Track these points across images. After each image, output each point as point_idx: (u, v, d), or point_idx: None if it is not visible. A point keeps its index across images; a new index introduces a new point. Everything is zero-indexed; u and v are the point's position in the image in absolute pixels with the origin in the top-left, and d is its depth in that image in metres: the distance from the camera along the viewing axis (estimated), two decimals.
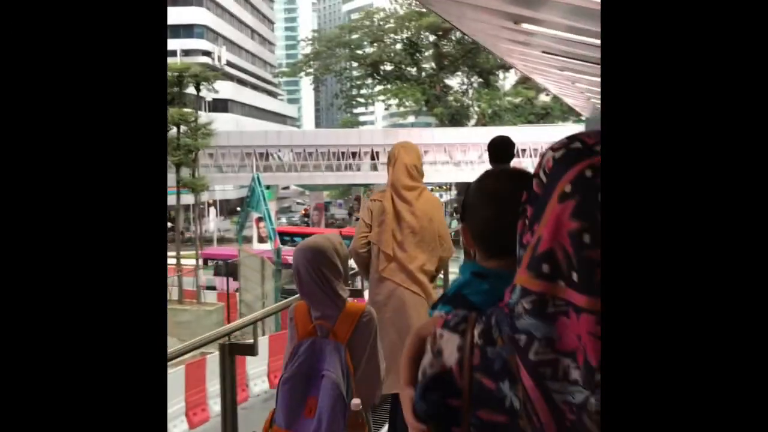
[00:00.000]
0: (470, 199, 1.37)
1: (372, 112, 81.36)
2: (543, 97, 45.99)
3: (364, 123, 75.36)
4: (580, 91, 14.11)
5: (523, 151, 37.66)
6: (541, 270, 0.94)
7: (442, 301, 1.30)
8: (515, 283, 0.98)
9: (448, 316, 1.07)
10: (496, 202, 1.31)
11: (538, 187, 0.96)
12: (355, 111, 70.90)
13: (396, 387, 2.67)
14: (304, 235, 33.87)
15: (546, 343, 0.93)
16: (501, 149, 4.28)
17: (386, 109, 54.11)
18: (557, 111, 44.60)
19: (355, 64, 48.52)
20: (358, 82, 49.00)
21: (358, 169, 39.09)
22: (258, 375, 14.60)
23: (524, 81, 44.54)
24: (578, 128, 32.11)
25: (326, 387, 2.01)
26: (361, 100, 51.54)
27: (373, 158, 38.98)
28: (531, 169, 1.07)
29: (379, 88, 46.51)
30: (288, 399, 2.05)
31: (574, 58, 8.06)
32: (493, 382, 0.98)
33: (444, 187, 53.29)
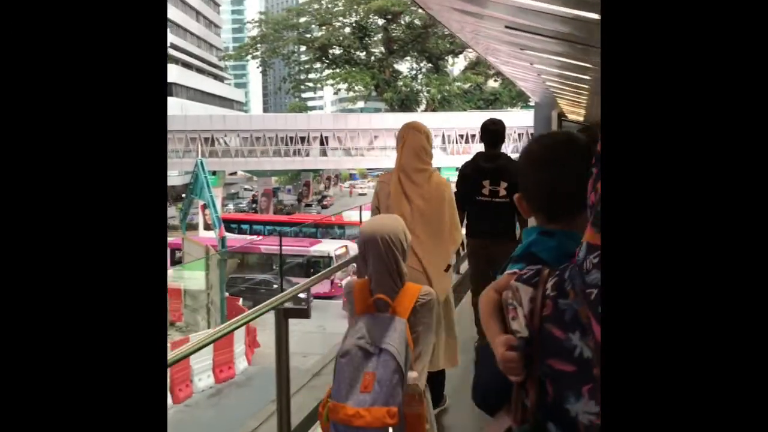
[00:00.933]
0: (523, 168, 1.39)
1: (321, 97, 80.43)
2: (492, 83, 46.17)
3: (313, 108, 74.40)
4: (538, 72, 13.85)
5: (473, 136, 37.72)
6: (596, 221, 1.02)
7: (512, 260, 1.34)
8: (583, 241, 1.05)
9: (522, 272, 1.16)
10: (549, 167, 1.34)
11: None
12: (304, 96, 69.97)
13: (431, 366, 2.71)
14: (251, 222, 33.45)
15: None
16: (493, 132, 4.41)
17: (335, 93, 53.40)
18: (505, 97, 44.86)
19: (303, 48, 47.60)
20: (307, 66, 48.12)
21: (307, 155, 38.39)
22: (203, 370, 14.01)
23: (473, 67, 44.61)
24: (527, 114, 32.46)
25: (386, 360, 2.01)
26: (310, 84, 50.68)
27: (322, 143, 38.34)
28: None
29: (327, 72, 45.72)
30: (346, 372, 2.04)
31: (538, 34, 7.71)
32: (563, 332, 1.05)
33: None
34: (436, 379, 3.23)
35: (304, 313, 2.90)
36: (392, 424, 1.97)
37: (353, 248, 24.40)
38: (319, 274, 4.30)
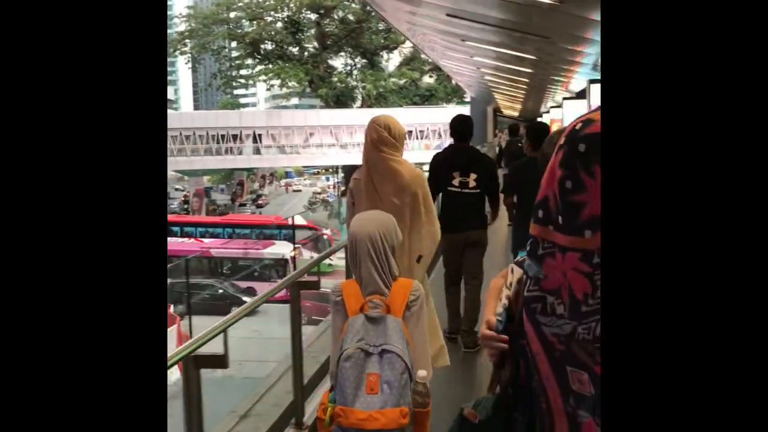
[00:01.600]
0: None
1: (254, 94, 78.58)
2: (427, 79, 46.15)
3: (246, 105, 72.54)
4: (477, 66, 13.63)
5: (409, 132, 37.57)
6: (537, 216, 1.08)
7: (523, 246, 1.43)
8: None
9: (522, 257, 1.22)
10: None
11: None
12: (237, 92, 68.24)
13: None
14: (182, 224, 32.15)
15: (535, 282, 1.06)
16: (462, 125, 4.60)
17: (269, 89, 52.01)
18: (441, 93, 44.89)
19: (234, 44, 46.24)
20: (238, 62, 46.79)
21: (240, 153, 37.29)
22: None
23: (408, 62, 44.45)
24: (462, 109, 32.52)
25: (392, 360, 2.01)
26: (242, 81, 49.33)
27: (255, 141, 37.31)
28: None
29: (260, 68, 44.52)
30: (350, 376, 2.02)
31: (479, 22, 7.36)
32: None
33: (330, 170, 52.44)
34: None
35: (219, 362, 2.33)
36: (405, 424, 1.99)
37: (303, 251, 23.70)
38: (279, 283, 3.60)
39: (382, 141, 3.14)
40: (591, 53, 8.88)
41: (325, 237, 29.08)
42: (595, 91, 9.03)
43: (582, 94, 13.55)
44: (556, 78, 13.02)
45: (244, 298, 18.75)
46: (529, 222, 1.12)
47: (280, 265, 22.89)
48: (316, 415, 2.15)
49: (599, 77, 9.78)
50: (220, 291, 21.81)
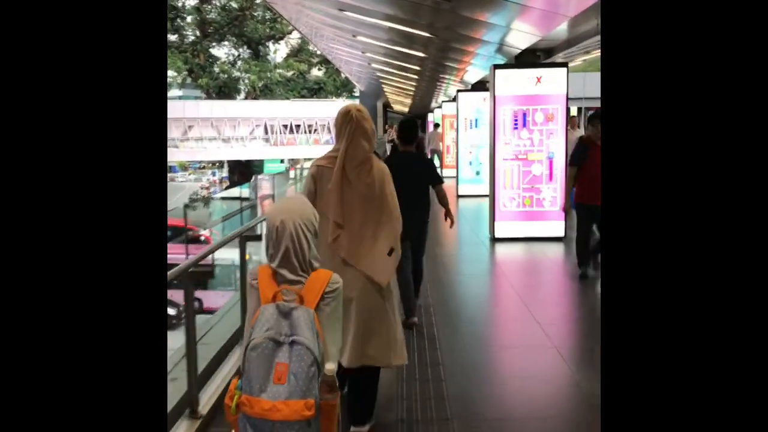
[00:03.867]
0: None
1: None
2: (316, 72, 44.90)
3: None
4: (368, 62, 12.74)
5: (297, 126, 36.26)
6: None
7: None
8: None
9: None
10: None
11: None
12: None
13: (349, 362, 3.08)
14: None
15: None
16: (408, 130, 5.01)
17: None
18: (330, 86, 43.81)
19: None
20: None
21: None
22: None
23: (295, 54, 42.97)
24: (351, 103, 31.46)
25: (300, 352, 1.98)
26: None
27: None
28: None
29: None
30: (257, 365, 1.98)
31: (370, 17, 6.48)
32: None
33: (216, 165, 49.87)
34: (369, 379, 3.26)
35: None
36: (310, 416, 1.97)
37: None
38: None
39: (367, 133, 3.12)
40: (489, 41, 8.11)
41: (202, 238, 27.18)
42: (501, 76, 8.34)
43: (479, 86, 13.06)
44: (448, 72, 12.33)
45: None
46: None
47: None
48: (210, 405, 2.37)
49: (503, 62, 9.17)
50: None
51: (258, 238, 5.04)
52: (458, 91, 13.28)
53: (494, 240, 8.55)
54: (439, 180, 5.01)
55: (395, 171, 4.40)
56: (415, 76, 13.69)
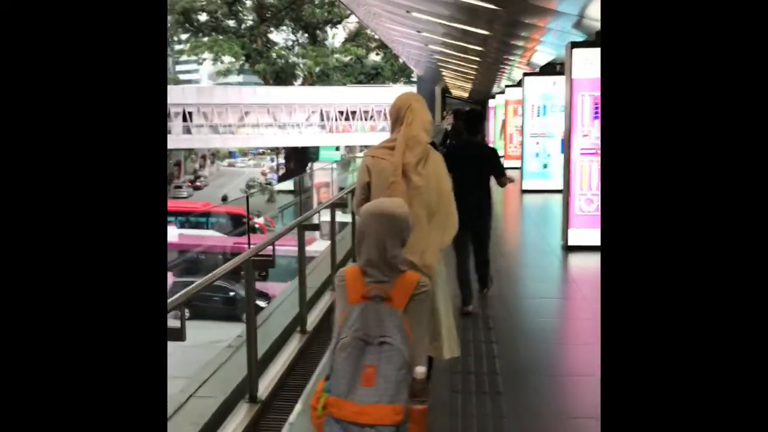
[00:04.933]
0: None
1: (197, 70, 74.59)
2: (373, 56, 43.84)
3: (188, 82, 68.59)
4: (425, 42, 11.60)
5: (353, 113, 35.36)
6: None
7: None
8: None
9: None
10: None
11: None
12: (179, 68, 64.58)
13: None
14: None
15: None
16: (474, 120, 5.32)
17: (213, 64, 48.27)
18: (388, 71, 42.67)
19: None
20: (169, 33, 43.34)
21: (169, 132, 34.24)
22: None
23: (353, 38, 41.99)
24: (410, 89, 30.46)
25: (389, 354, 1.94)
26: (177, 55, 45.88)
27: (185, 119, 34.35)
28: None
29: (193, 41, 41.20)
30: (345, 366, 1.96)
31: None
32: None
33: (274, 151, 49.57)
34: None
35: (176, 335, 2.58)
36: (399, 421, 1.91)
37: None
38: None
39: (424, 123, 3.05)
40: (566, 12, 6.82)
41: (256, 226, 26.63)
42: (579, 56, 7.06)
43: (547, 69, 11.74)
44: (514, 52, 11.02)
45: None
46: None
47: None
48: (269, 390, 3.03)
49: (581, 39, 7.90)
50: (231, 293, 17.98)
51: (315, 227, 5.38)
52: (525, 74, 11.93)
53: (568, 249, 7.27)
54: (502, 171, 5.14)
55: (459, 158, 4.70)
56: (477, 58, 12.42)
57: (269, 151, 53.30)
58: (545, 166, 11.86)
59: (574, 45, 7.11)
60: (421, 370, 1.95)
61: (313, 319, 5.15)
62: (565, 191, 7.36)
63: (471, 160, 4.91)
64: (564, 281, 6.49)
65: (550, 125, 11.41)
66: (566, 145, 7.36)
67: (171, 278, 18.35)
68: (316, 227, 5.40)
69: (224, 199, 40.44)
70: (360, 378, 1.93)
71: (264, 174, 53.29)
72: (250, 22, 41.25)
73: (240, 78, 53.17)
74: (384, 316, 1.97)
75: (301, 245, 4.82)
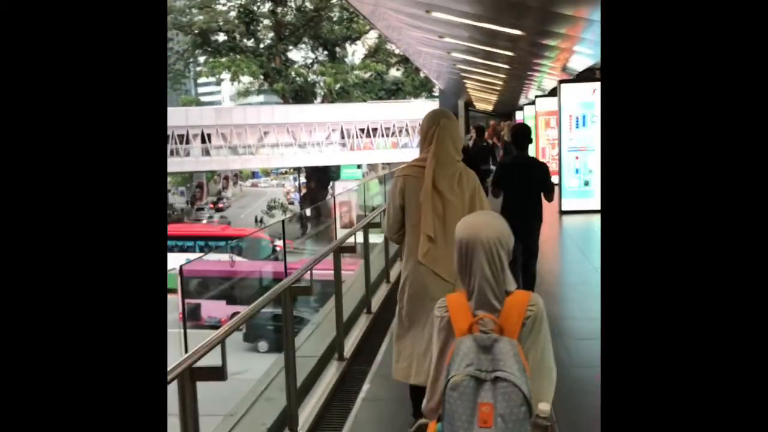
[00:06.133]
0: None
1: (219, 92, 74.75)
2: (394, 72, 42.98)
3: (209, 103, 68.59)
4: (447, 50, 10.52)
5: (374, 130, 34.41)
6: None
7: None
8: None
9: None
10: None
11: None
12: (200, 90, 64.56)
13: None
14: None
15: None
16: (523, 136, 5.41)
17: (232, 84, 47.91)
18: (409, 86, 41.75)
19: (180, 36, 42.51)
20: (186, 56, 43.01)
21: (188, 154, 33.79)
22: None
23: (373, 54, 41.18)
24: (431, 104, 29.49)
25: (506, 391, 1.75)
26: (199, 75, 45.54)
27: (204, 141, 33.71)
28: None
29: (212, 62, 40.71)
30: (460, 407, 1.79)
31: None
32: None
33: (295, 170, 48.79)
34: None
35: (217, 374, 2.39)
36: None
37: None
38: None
39: (455, 141, 3.07)
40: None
41: (278, 249, 25.61)
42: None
43: (586, 75, 10.55)
44: (546, 55, 9.84)
45: None
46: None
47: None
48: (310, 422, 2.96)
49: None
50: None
51: (352, 249, 5.18)
52: (560, 81, 10.74)
53: None
54: (550, 187, 5.14)
55: (510, 173, 5.21)
56: (504, 66, 11.27)
57: (292, 170, 52.63)
58: (586, 183, 10.57)
59: (562, 82, 6.00)
60: (544, 408, 1.76)
61: (350, 345, 5.01)
62: None
63: (521, 174, 5.08)
64: None
65: (591, 137, 10.18)
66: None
67: (225, 307, 17.82)
68: (353, 249, 5.18)
69: (260, 221, 39.69)
70: (476, 419, 1.76)
71: (287, 194, 52.59)
72: (268, 41, 40.69)
73: (261, 98, 52.71)
74: (497, 348, 1.80)
75: (337, 269, 4.76)
